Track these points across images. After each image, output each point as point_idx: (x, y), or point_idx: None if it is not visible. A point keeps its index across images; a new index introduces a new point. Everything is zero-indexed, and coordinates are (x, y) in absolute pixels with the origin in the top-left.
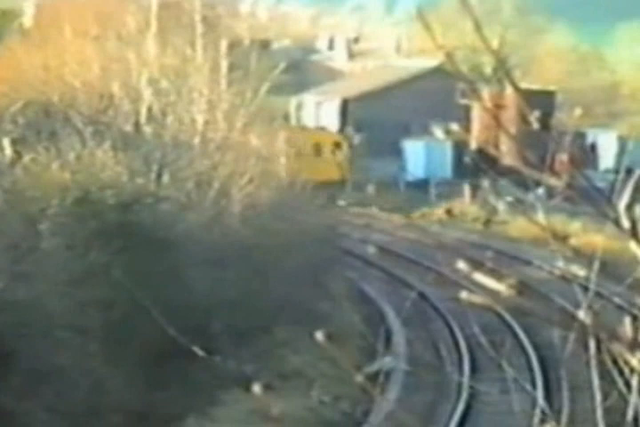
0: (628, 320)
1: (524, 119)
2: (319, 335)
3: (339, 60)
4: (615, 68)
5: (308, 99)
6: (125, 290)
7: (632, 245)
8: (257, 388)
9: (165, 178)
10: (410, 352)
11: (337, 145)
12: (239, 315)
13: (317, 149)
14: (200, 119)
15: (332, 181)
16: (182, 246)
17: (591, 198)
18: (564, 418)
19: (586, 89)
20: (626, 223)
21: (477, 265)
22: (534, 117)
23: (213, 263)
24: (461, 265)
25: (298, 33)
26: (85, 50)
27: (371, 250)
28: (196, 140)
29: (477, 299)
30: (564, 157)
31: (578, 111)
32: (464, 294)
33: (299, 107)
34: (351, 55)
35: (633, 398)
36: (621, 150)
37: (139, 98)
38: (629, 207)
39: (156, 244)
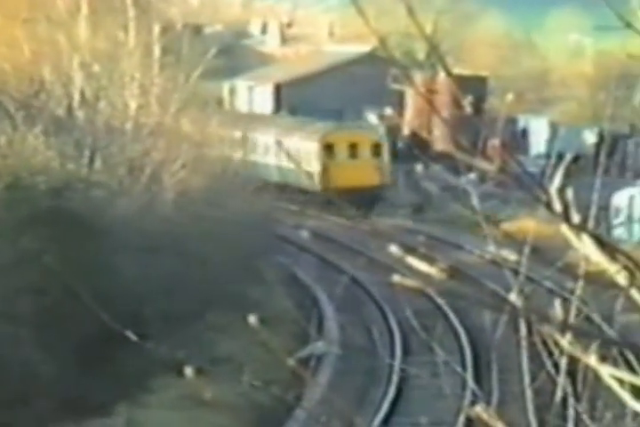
0: (558, 303)
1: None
2: (252, 319)
3: (271, 45)
4: (546, 55)
5: (241, 84)
6: (57, 276)
7: (563, 228)
8: (189, 371)
9: (97, 163)
10: (342, 337)
11: (377, 147)
12: (172, 301)
13: (353, 151)
14: (132, 104)
15: (368, 188)
16: (114, 233)
17: (523, 183)
18: (495, 400)
19: (517, 75)
20: (558, 207)
21: (410, 250)
22: (467, 102)
23: (146, 249)
24: (393, 249)
25: (230, 18)
26: (15, 33)
27: (304, 235)
28: (129, 126)
29: (410, 282)
30: (496, 142)
31: (510, 96)
32: (396, 278)
33: (232, 91)
34: (284, 40)
35: (561, 380)
36: (552, 136)
37: (70, 82)
38: (561, 191)
39: (87, 230)
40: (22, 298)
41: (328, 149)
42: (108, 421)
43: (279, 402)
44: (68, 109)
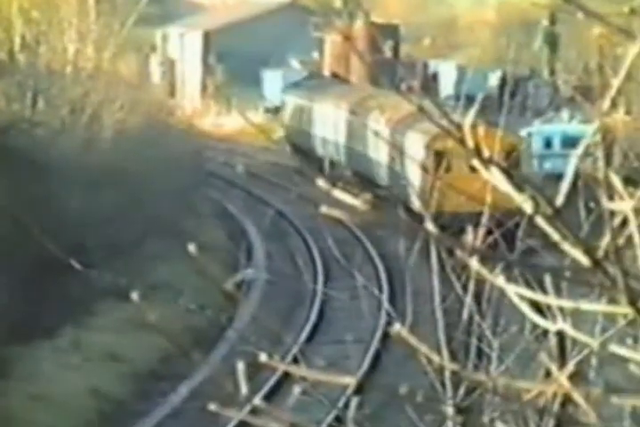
0: (470, 228)
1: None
2: (191, 248)
3: None
4: (452, 3)
5: (173, 31)
6: (5, 210)
7: (475, 162)
8: (135, 296)
9: (40, 104)
10: (270, 264)
11: (511, 153)
12: (112, 232)
13: None
14: (71, 48)
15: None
16: (58, 168)
17: (438, 120)
18: (408, 319)
19: (426, 23)
20: (470, 142)
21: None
22: (388, 47)
23: (87, 184)
24: (320, 183)
25: None
26: None
27: (239, 169)
28: (69, 69)
29: (336, 213)
30: (412, 84)
31: (427, 41)
32: (324, 208)
33: (164, 38)
34: None
35: (468, 300)
36: (460, 79)
37: (11, 27)
38: (473, 128)
39: (32, 166)
40: None
41: (439, 156)
42: (55, 342)
43: (213, 324)
44: (10, 53)
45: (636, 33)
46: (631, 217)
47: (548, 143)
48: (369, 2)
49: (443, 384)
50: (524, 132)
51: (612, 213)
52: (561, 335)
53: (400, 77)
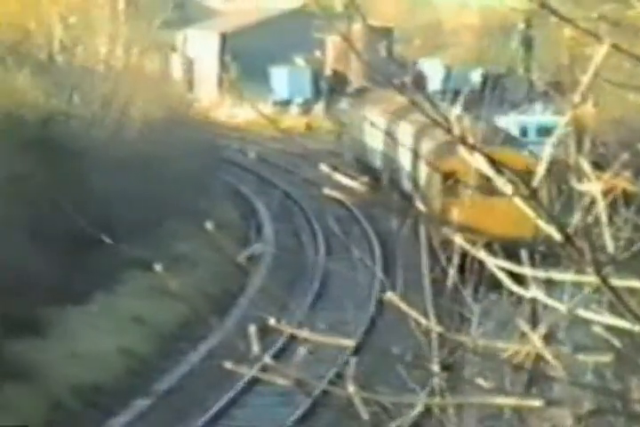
0: (455, 210)
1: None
2: (209, 225)
3: (216, 1)
4: (439, 8)
5: (192, 33)
6: (44, 192)
7: (460, 149)
8: (158, 267)
9: (75, 99)
10: (277, 240)
11: (530, 174)
12: (137, 211)
13: (491, 182)
14: (103, 49)
15: (514, 242)
16: (90, 156)
17: (429, 112)
18: (399, 287)
19: (416, 26)
20: (456, 131)
21: (333, 169)
22: (383, 47)
23: (116, 170)
24: (323, 167)
25: None
26: None
27: (251, 155)
28: (100, 67)
29: (337, 194)
30: (405, 80)
31: (418, 42)
32: (326, 190)
33: (184, 39)
34: None
35: (452, 271)
36: (446, 76)
37: (51, 31)
38: (459, 118)
39: (68, 154)
40: (17, 209)
41: (449, 177)
42: (87, 307)
43: (226, 292)
44: (49, 55)
45: (603, 35)
46: (598, 198)
47: (524, 132)
48: (365, 7)
49: (429, 345)
50: (502, 122)
51: (582, 194)
52: (534, 302)
53: (393, 74)
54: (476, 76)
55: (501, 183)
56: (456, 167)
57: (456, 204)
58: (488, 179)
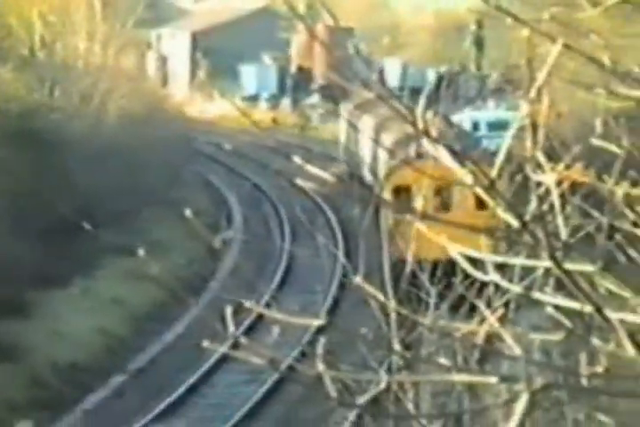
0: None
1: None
2: (187, 212)
3: (187, 2)
4: (397, 10)
5: (165, 32)
6: (26, 181)
7: (424, 141)
8: (141, 252)
9: (56, 93)
10: (246, 227)
11: None
12: (115, 199)
13: (444, 199)
14: (81, 46)
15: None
16: (70, 147)
17: (394, 106)
18: (361, 271)
19: (375, 26)
20: (420, 125)
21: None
22: (351, 45)
23: (95, 160)
24: (296, 159)
25: None
26: None
27: (227, 147)
28: (80, 64)
29: (308, 184)
30: (372, 76)
31: (388, 38)
32: (299, 181)
33: (158, 38)
34: None
35: (409, 256)
36: (404, 73)
37: (32, 29)
38: (423, 112)
39: (49, 144)
40: (0, 198)
41: (399, 193)
42: (68, 290)
43: (198, 276)
44: (31, 51)
45: (556, 36)
46: (552, 187)
47: (475, 127)
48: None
49: (389, 325)
50: (457, 117)
51: (538, 184)
52: (492, 284)
53: (356, 71)
54: (431, 74)
55: (462, 173)
56: (408, 181)
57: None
58: (442, 192)
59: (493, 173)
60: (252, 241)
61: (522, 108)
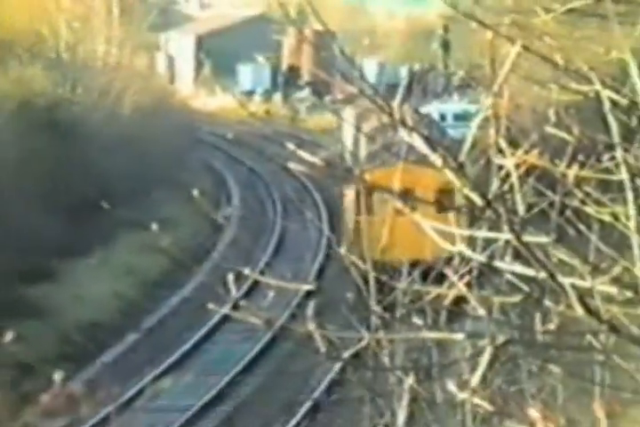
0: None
1: (316, 50)
2: (195, 192)
3: (193, 9)
4: (372, 16)
5: (173, 35)
6: (52, 166)
7: (401, 131)
8: (155, 227)
9: (78, 89)
10: (243, 205)
11: (444, 193)
12: (129, 182)
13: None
14: (100, 49)
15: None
16: (90, 137)
17: (375, 100)
18: (346, 242)
19: (353, 30)
20: (397, 115)
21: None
22: (336, 47)
23: (112, 148)
24: (290, 146)
25: None
26: (15, 2)
27: (229, 135)
28: (98, 63)
29: (299, 168)
30: (354, 74)
31: (366, 41)
32: (292, 164)
33: (166, 40)
34: (202, 6)
35: (385, 231)
36: (380, 71)
37: (58, 34)
38: (400, 105)
39: (72, 135)
40: (30, 181)
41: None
42: (88, 260)
43: (202, 247)
44: (57, 53)
45: (515, 38)
46: (512, 170)
47: (443, 117)
48: (311, 14)
49: (368, 290)
50: (425, 109)
51: (500, 167)
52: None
53: (339, 69)
54: (403, 72)
55: (434, 158)
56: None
57: (370, 221)
58: (406, 194)
59: (461, 157)
60: (248, 217)
61: (483, 101)
